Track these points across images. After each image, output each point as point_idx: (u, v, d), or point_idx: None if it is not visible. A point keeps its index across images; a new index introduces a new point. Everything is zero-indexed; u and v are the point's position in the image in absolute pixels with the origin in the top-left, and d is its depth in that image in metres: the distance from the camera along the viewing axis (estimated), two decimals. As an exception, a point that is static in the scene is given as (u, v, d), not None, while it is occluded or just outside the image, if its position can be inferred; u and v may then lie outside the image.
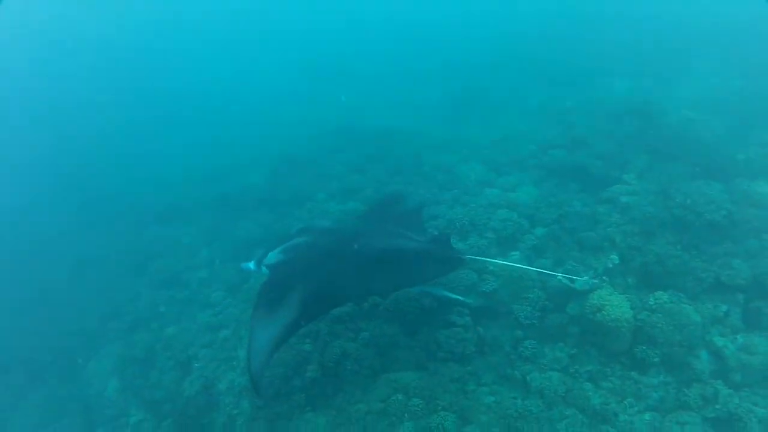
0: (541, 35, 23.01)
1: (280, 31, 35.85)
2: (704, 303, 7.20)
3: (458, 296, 7.40)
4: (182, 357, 8.46)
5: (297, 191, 12.27)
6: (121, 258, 12.08)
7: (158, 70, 29.00)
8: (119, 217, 14.17)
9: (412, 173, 11.44)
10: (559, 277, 7.36)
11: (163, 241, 12.13)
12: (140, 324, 9.67)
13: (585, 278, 7.38)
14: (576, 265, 7.96)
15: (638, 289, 7.52)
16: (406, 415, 6.44)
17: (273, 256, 6.77)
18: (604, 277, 7.54)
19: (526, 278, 7.79)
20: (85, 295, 11.25)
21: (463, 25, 28.23)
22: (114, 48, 32.14)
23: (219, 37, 35.29)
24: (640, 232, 8.24)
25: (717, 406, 6.08)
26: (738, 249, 7.74)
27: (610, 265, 7.74)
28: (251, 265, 6.99)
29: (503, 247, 8.53)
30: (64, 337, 10.15)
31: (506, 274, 7.84)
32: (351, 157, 13.37)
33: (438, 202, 9.93)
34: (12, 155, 19.09)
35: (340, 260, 6.52)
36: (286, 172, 13.76)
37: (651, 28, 20.73)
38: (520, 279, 7.77)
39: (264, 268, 6.80)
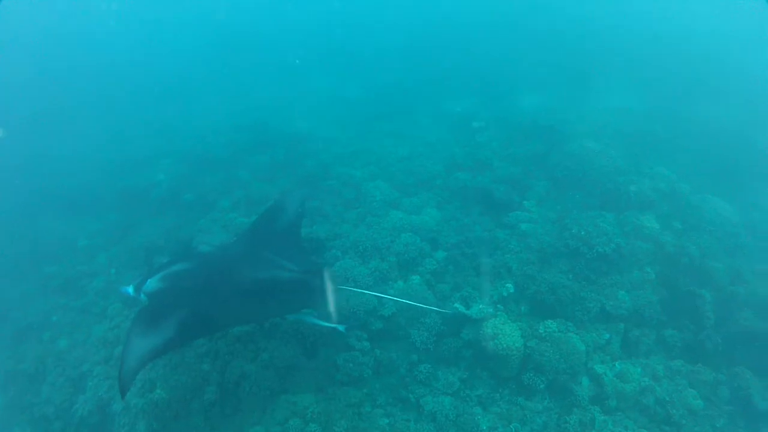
0: (464, 40, 23.89)
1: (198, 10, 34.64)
2: (589, 331, 7.79)
3: (330, 324, 7.53)
4: (75, 374, 8.27)
5: (202, 194, 12.13)
6: (10, 253, 11.51)
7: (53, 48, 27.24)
8: (10, 204, 13.47)
9: (319, 188, 11.49)
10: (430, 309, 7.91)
11: (58, 241, 11.55)
12: (30, 333, 9.30)
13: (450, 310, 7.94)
14: (473, 291, 8.32)
15: (530, 317, 8.01)
16: (303, 439, 6.63)
17: (152, 284, 6.74)
18: (499, 305, 8.01)
19: (426, 303, 8.10)
20: None
21: (390, 28, 28.21)
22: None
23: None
24: (536, 260, 8.75)
25: (593, 432, 6.63)
26: (623, 280, 8.39)
27: (505, 294, 8.19)
28: (130, 290, 6.94)
29: (404, 270, 8.80)
30: None
31: (407, 297, 8.14)
32: (261, 162, 13.30)
33: (343, 221, 10.09)
34: None
35: (216, 290, 6.64)
36: (193, 171, 13.55)
37: (568, 41, 21.88)
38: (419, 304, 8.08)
39: (142, 295, 6.78)
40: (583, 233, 8.85)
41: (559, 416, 6.91)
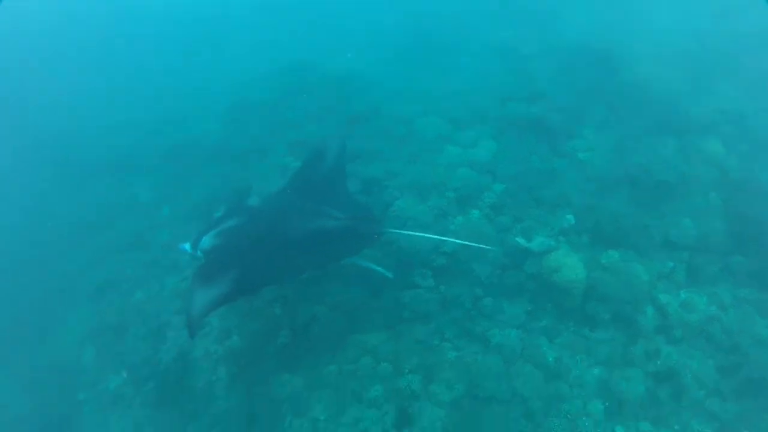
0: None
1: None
2: (653, 260, 7.84)
3: (380, 269, 7.81)
4: (155, 324, 8.82)
5: (255, 141, 12.30)
6: (77, 214, 12.02)
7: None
8: (69, 167, 13.91)
9: (371, 126, 11.52)
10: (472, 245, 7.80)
11: (120, 198, 12.07)
12: (108, 287, 9.90)
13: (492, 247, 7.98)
14: (533, 223, 8.45)
15: (592, 247, 8.11)
16: (375, 378, 7.08)
17: (207, 241, 7.20)
18: (560, 237, 8.13)
19: (487, 237, 8.32)
20: (43, 255, 11.37)
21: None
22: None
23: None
24: (596, 189, 8.81)
25: (658, 362, 6.83)
26: (687, 207, 8.37)
27: (566, 225, 8.29)
28: (187, 247, 7.43)
29: (463, 205, 8.93)
30: (28, 303, 10.41)
31: (468, 234, 8.34)
32: (308, 105, 13.26)
33: (398, 159, 10.14)
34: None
35: (265, 245, 7.00)
36: (241, 117, 13.63)
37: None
38: (481, 238, 8.25)
39: (199, 252, 7.24)
40: (643, 160, 8.81)
41: (624, 346, 7.10)
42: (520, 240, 8.05)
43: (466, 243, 7.62)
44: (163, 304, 9.07)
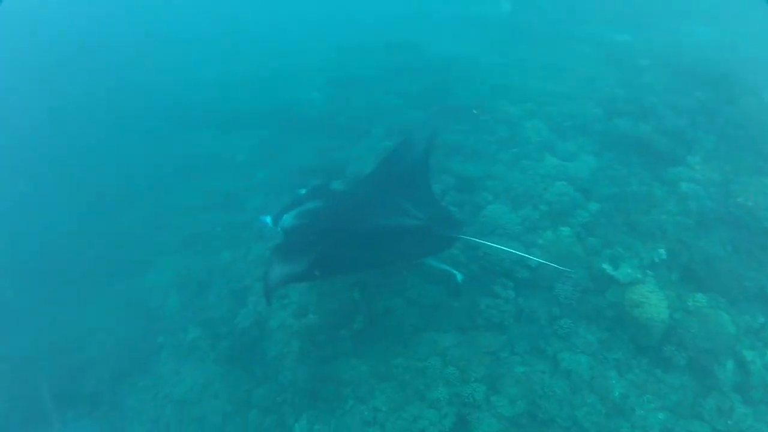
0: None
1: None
2: (742, 312, 7.74)
3: (451, 269, 8.02)
4: (237, 287, 9.42)
5: (354, 118, 12.50)
6: (177, 163, 12.74)
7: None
8: (174, 118, 14.61)
9: (471, 122, 11.41)
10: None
11: (219, 154, 12.72)
12: (197, 241, 10.56)
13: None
14: (623, 250, 8.44)
15: (680, 287, 8.04)
16: (441, 380, 7.39)
17: (288, 220, 7.66)
18: (648, 271, 8.09)
19: (574, 257, 8.38)
20: (138, 204, 12.13)
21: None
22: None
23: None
24: (694, 225, 8.68)
25: (729, 421, 6.81)
26: (791, 262, 8.15)
27: (657, 259, 8.24)
28: (268, 220, 7.96)
29: (555, 220, 8.99)
30: (123, 246, 11.19)
31: (555, 251, 8.45)
32: (412, 88, 13.28)
33: (497, 161, 10.16)
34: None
35: (343, 234, 7.33)
36: (343, 91, 13.88)
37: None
38: (567, 258, 8.36)
39: (279, 229, 7.73)
40: (750, 203, 8.60)
41: (695, 396, 7.09)
42: (607, 267, 8.11)
43: (543, 261, 7.86)
44: (247, 269, 9.62)
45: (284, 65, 16.04)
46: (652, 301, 7.51)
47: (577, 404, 7.06)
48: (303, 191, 8.67)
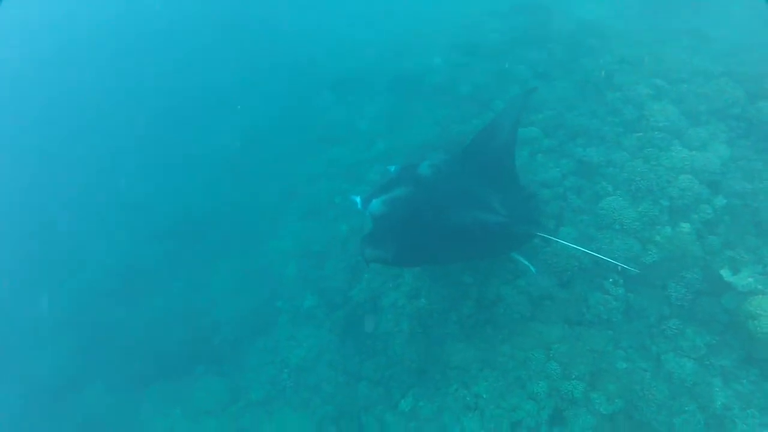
0: None
1: None
2: None
3: (526, 261, 8.55)
4: (353, 261, 10.46)
5: (477, 88, 12.70)
6: (296, 130, 13.67)
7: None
8: (299, 83, 15.58)
9: (598, 99, 11.38)
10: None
11: (341, 121, 13.56)
12: (317, 212, 11.65)
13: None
14: (746, 253, 8.54)
15: (803, 297, 8.17)
16: (542, 374, 8.20)
17: (376, 205, 8.48)
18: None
19: (690, 256, 8.66)
20: (262, 168, 13.47)
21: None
22: None
23: None
24: (834, 230, 8.65)
25: (837, 446, 7.12)
26: None
27: (783, 266, 8.35)
28: (358, 201, 8.85)
29: (675, 216, 9.19)
30: (252, 213, 12.44)
31: (672, 248, 8.76)
32: (538, 57, 13.09)
33: (620, 147, 10.24)
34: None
35: (424, 226, 7.97)
36: (466, 59, 13.89)
37: None
38: (683, 257, 8.66)
39: (367, 212, 8.60)
40: None
41: (806, 417, 7.38)
42: (724, 272, 8.32)
43: (622, 265, 8.23)
44: (363, 244, 10.53)
45: (408, 26, 16.06)
46: (772, 315, 7.74)
47: (675, 410, 7.55)
48: (393, 168, 9.44)
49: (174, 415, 9.98)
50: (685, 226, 8.97)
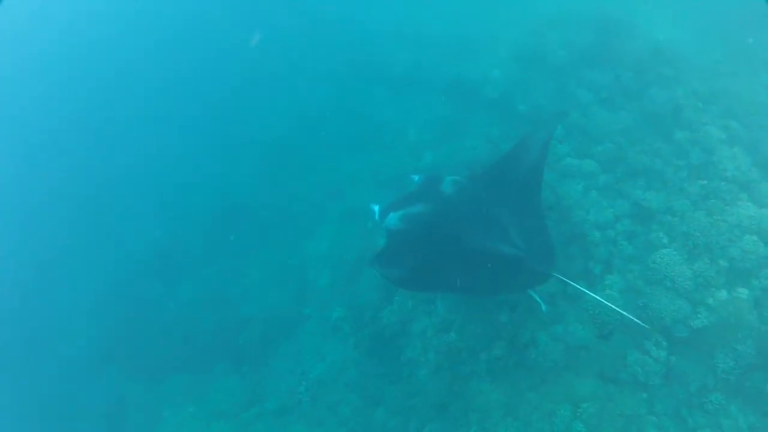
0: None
1: None
2: None
3: (536, 296, 7.81)
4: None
5: (535, 108, 11.36)
6: (344, 124, 12.83)
7: None
8: (345, 70, 14.52)
9: (663, 137, 9.89)
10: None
11: (389, 128, 12.47)
12: (357, 216, 10.70)
13: None
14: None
15: None
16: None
17: (393, 220, 7.77)
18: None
19: (745, 326, 7.64)
20: (306, 159, 12.65)
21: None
22: None
23: None
24: None
25: None
26: None
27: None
28: (376, 210, 8.19)
29: (733, 279, 8.13)
30: (287, 203, 11.66)
31: (725, 315, 7.73)
32: (602, 81, 11.37)
33: (682, 194, 8.99)
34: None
35: (439, 249, 7.35)
36: (526, 73, 12.30)
37: None
38: (737, 326, 7.65)
39: (383, 226, 7.93)
40: None
41: None
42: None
43: (635, 319, 7.22)
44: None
45: (472, 26, 14.63)
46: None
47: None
48: (417, 178, 8.73)
49: (186, 413, 9.48)
50: (743, 292, 7.97)
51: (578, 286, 7.32)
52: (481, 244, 7.17)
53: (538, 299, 7.86)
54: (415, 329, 8.83)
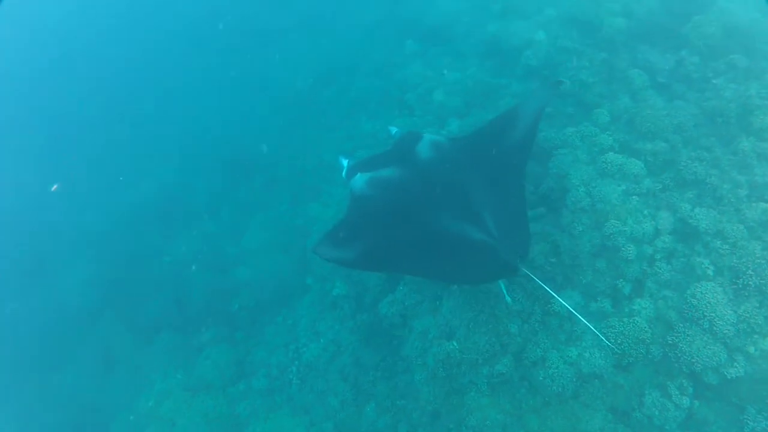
0: None
1: None
2: None
3: (504, 290, 6.54)
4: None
5: (581, 85, 8.72)
6: (369, 78, 10.90)
7: None
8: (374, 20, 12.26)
9: (725, 142, 7.53)
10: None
11: (416, 85, 10.24)
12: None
13: None
14: None
15: None
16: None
17: (359, 183, 6.59)
18: None
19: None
20: (325, 116, 10.87)
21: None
22: None
23: None
24: None
25: None
26: None
27: None
28: (345, 164, 7.00)
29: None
30: (298, 160, 10.08)
31: (766, 367, 6.02)
32: (662, 62, 8.74)
33: (739, 216, 6.77)
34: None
35: (403, 225, 6.15)
36: (575, 47, 9.37)
37: None
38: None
39: (349, 185, 6.74)
40: None
41: None
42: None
43: (601, 337, 6.07)
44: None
45: None
46: None
47: None
48: (394, 131, 7.48)
49: (174, 381, 8.27)
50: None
51: (545, 287, 5.78)
52: (448, 224, 5.93)
53: (504, 290, 6.49)
54: (416, 326, 7.22)
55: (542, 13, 10.22)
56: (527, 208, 6.52)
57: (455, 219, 5.97)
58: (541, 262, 6.94)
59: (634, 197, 7.24)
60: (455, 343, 6.78)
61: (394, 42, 11.61)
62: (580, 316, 5.93)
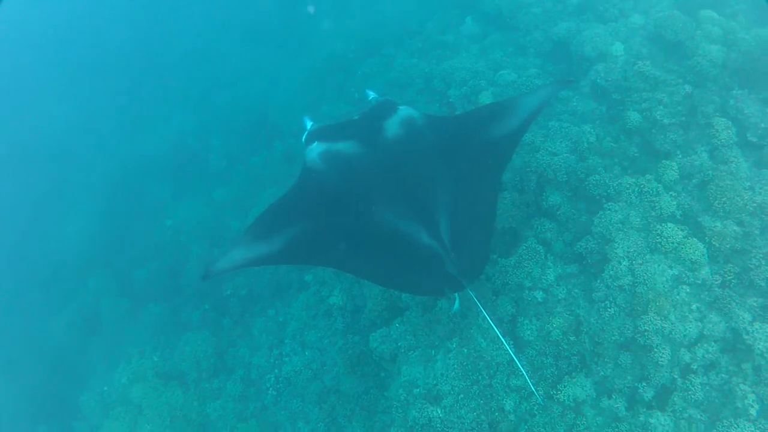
0: None
1: None
2: None
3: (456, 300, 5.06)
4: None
5: (655, 124, 6.13)
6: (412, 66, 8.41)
7: None
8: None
9: None
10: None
11: (461, 81, 7.57)
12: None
13: None
14: None
15: None
16: None
17: (313, 153, 4.95)
18: None
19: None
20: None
21: None
22: None
23: None
24: None
25: None
26: None
27: None
28: (307, 126, 5.26)
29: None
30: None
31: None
32: (760, 109, 5.96)
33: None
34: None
35: (353, 216, 4.60)
36: (658, 74, 6.50)
37: None
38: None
39: (305, 151, 5.08)
40: None
41: None
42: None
43: (525, 375, 4.75)
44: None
45: None
46: None
47: None
48: (372, 96, 5.64)
49: (149, 362, 6.85)
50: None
51: (486, 314, 4.40)
52: (396, 220, 4.49)
53: (455, 297, 4.97)
54: (405, 372, 5.50)
55: (626, 18, 7.32)
56: (495, 219, 5.00)
57: (406, 216, 4.50)
58: (557, 336, 5.17)
59: (684, 287, 5.18)
60: (439, 411, 5.14)
61: (453, 16, 8.82)
62: (520, 365, 4.54)
